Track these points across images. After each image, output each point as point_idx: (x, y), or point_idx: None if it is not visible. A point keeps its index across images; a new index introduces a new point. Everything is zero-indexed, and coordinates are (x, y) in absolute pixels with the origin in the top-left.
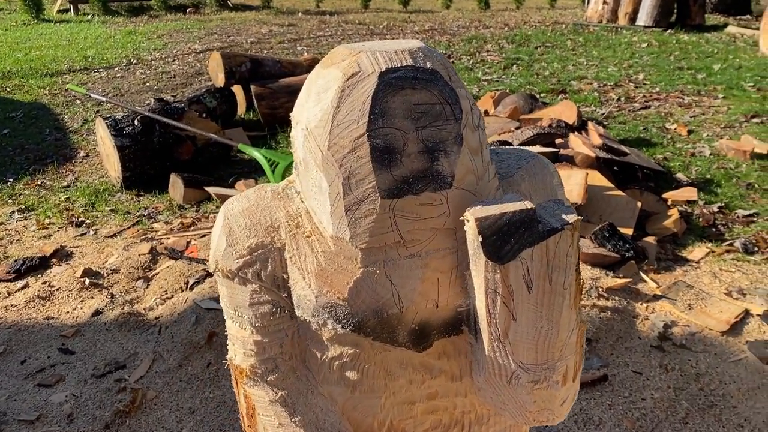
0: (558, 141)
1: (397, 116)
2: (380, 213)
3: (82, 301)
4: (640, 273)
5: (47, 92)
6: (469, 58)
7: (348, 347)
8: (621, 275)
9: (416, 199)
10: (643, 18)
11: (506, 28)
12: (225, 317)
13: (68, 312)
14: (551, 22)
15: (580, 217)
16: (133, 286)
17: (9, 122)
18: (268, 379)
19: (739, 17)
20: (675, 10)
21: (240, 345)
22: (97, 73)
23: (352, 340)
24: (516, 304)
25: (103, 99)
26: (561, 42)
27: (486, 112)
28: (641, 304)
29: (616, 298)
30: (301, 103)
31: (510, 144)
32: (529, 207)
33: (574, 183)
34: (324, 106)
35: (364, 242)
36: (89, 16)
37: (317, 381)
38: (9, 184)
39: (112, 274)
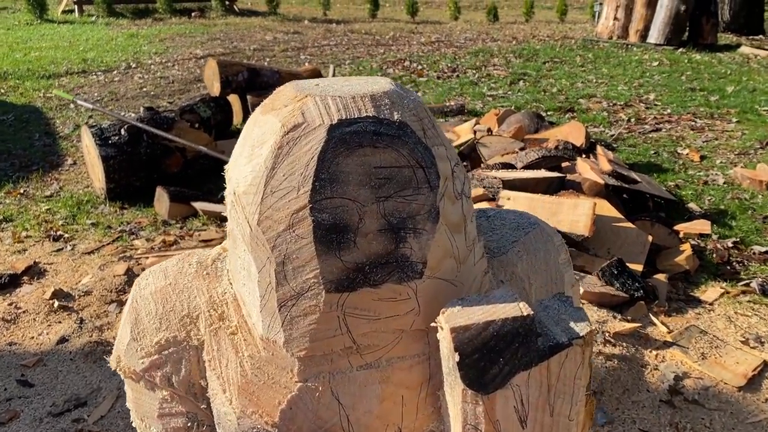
0: (565, 165)
1: (351, 183)
2: (325, 311)
3: (49, 325)
4: (650, 315)
5: (42, 95)
6: (474, 71)
7: None
8: (629, 318)
9: (374, 292)
10: (655, 35)
11: (514, 42)
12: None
13: (33, 338)
14: (560, 36)
15: (593, 328)
16: (105, 311)
17: None
18: None
19: (751, 37)
20: (687, 29)
21: None
22: (94, 77)
23: None
24: None
25: (90, 106)
26: (570, 58)
27: (489, 131)
28: (650, 352)
29: (624, 344)
30: (235, 156)
31: (513, 167)
32: (525, 314)
33: (581, 213)
34: (256, 166)
35: (304, 348)
36: (93, 18)
37: None
38: None
39: (83, 296)
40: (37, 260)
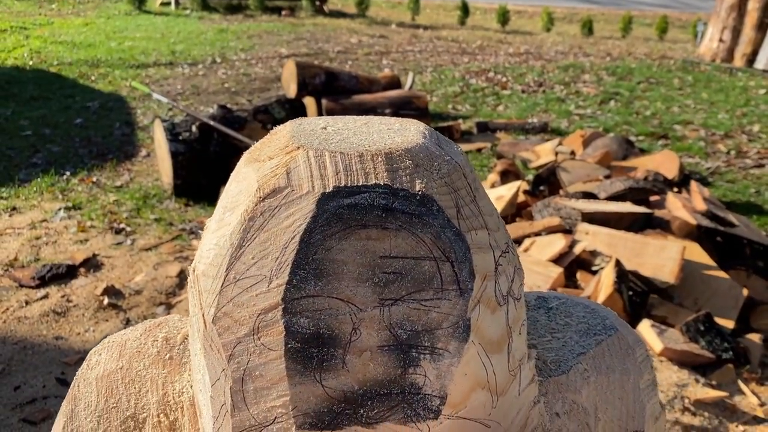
0: (653, 198)
1: (345, 277)
2: None
3: (96, 323)
4: (739, 382)
5: (128, 84)
6: (562, 87)
7: None
8: (714, 383)
9: None
10: (763, 61)
11: (608, 58)
12: None
13: (79, 334)
14: (659, 56)
15: None
16: (153, 313)
17: (84, 112)
18: None
19: None
20: None
21: None
22: (180, 69)
23: None
24: None
25: (165, 100)
26: (667, 79)
27: (572, 153)
28: (736, 426)
29: (706, 414)
30: (211, 218)
31: (595, 197)
32: None
33: (667, 257)
34: (222, 238)
35: None
36: (188, 11)
37: None
38: (65, 177)
39: (134, 295)
40: (96, 252)
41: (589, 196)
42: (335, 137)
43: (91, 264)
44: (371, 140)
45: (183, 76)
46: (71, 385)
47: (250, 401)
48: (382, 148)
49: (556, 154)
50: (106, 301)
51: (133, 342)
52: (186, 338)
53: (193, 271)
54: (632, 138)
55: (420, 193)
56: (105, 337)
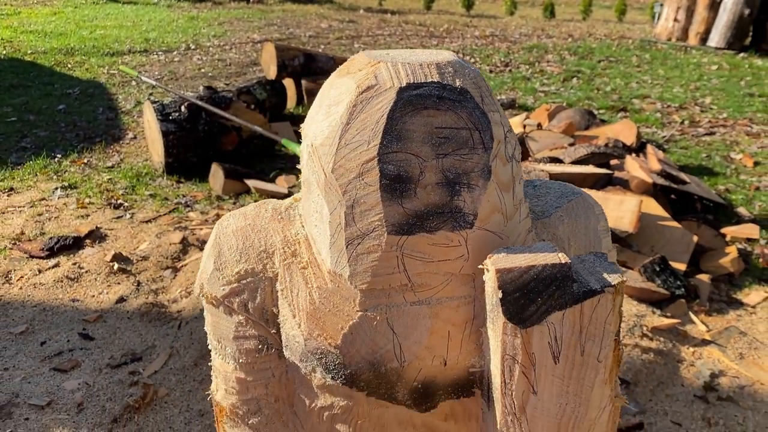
0: (613, 162)
1: (415, 140)
2: (386, 250)
3: (109, 286)
4: (690, 313)
5: (105, 71)
6: (528, 67)
7: (340, 398)
8: (669, 314)
9: (430, 237)
10: (716, 39)
11: (570, 39)
12: (209, 346)
13: (94, 296)
14: (618, 36)
15: (624, 278)
16: (161, 275)
17: (65, 99)
18: (250, 421)
19: None
20: (750, 33)
21: (222, 380)
22: (155, 56)
23: (345, 391)
24: (538, 375)
25: (153, 83)
26: (626, 58)
27: (539, 125)
28: (688, 348)
29: (661, 339)
30: (312, 114)
31: (561, 162)
32: (563, 261)
33: (626, 209)
34: (332, 121)
35: (365, 282)
36: (156, 0)
37: (305, 429)
38: (57, 160)
39: (141, 261)
40: (98, 225)
41: (555, 160)
42: (399, 57)
43: (96, 235)
44: (423, 57)
45: (159, 62)
46: (210, 240)
47: (357, 219)
48: (433, 61)
49: (524, 126)
50: (116, 266)
51: (251, 211)
52: (288, 207)
53: (311, 145)
54: (594, 111)
55: (460, 87)
56: (119, 298)
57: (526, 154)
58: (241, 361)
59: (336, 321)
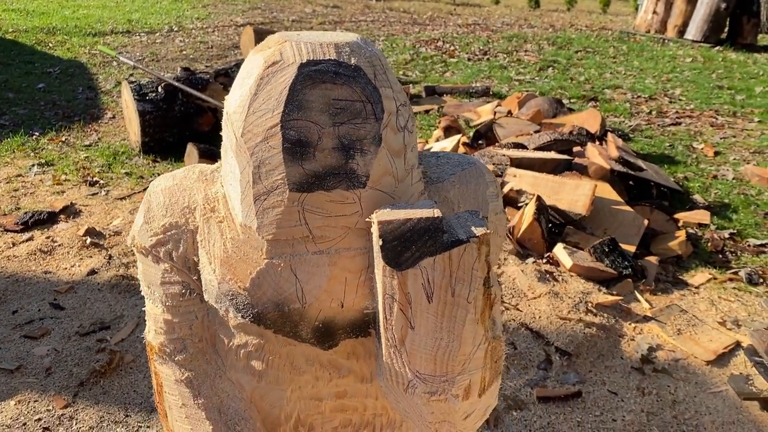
0: (576, 149)
1: (313, 110)
2: (288, 205)
3: (81, 259)
4: (635, 292)
5: (87, 51)
6: (505, 56)
7: (253, 337)
8: (615, 292)
9: (327, 195)
10: (693, 32)
11: (551, 30)
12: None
13: (66, 268)
14: (598, 27)
15: (488, 231)
16: (132, 250)
17: (46, 77)
18: (176, 358)
19: None
20: (727, 27)
21: (152, 322)
22: (137, 37)
23: (256, 330)
24: (414, 312)
25: (131, 63)
26: (603, 49)
27: (509, 113)
28: (630, 324)
29: (605, 315)
30: (232, 87)
31: (525, 147)
32: (435, 215)
33: (581, 193)
34: (244, 92)
35: (271, 233)
36: None
37: (225, 366)
38: (35, 137)
39: (113, 236)
40: (73, 201)
41: (519, 146)
42: (306, 38)
43: (70, 211)
44: (327, 38)
45: (141, 43)
46: (144, 198)
47: (263, 178)
48: (333, 41)
49: (495, 113)
50: (88, 240)
51: (180, 173)
52: (214, 170)
53: (227, 113)
54: (565, 101)
55: (354, 65)
56: (91, 270)
57: (494, 141)
58: (167, 304)
59: (245, 267)
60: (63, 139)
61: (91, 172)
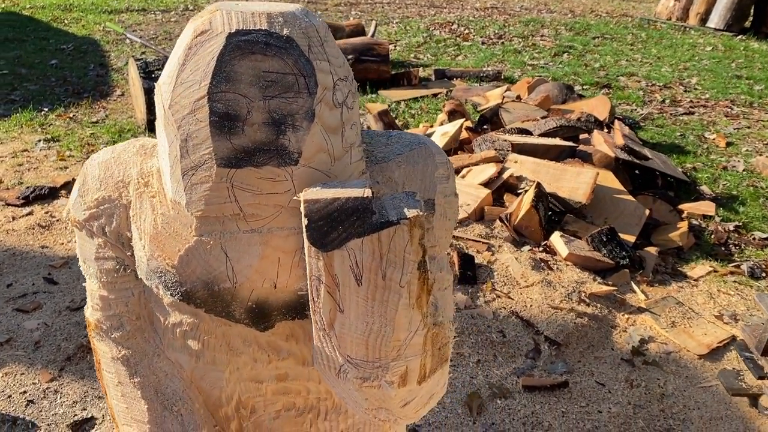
0: (583, 136)
1: (243, 82)
2: (216, 181)
3: None
4: (631, 283)
5: (101, 29)
6: (520, 40)
7: (187, 315)
8: (611, 283)
9: (257, 171)
10: (715, 20)
11: (570, 15)
12: None
13: (62, 243)
14: (620, 14)
15: (421, 212)
16: None
17: (59, 54)
18: (113, 335)
19: None
20: (751, 16)
21: (90, 298)
22: (152, 15)
23: (190, 309)
24: (342, 295)
25: (138, 40)
26: (621, 35)
27: (518, 98)
28: (623, 315)
29: (598, 305)
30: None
31: (530, 133)
32: (365, 195)
33: (582, 181)
34: (172, 62)
35: (200, 210)
36: None
37: (163, 345)
38: (43, 113)
39: None
40: (75, 177)
41: (524, 132)
42: (242, 6)
43: (71, 187)
44: (262, 8)
45: (155, 21)
46: (81, 170)
47: (191, 152)
48: (266, 10)
49: (503, 98)
50: None
51: (120, 146)
52: (156, 144)
53: (158, 84)
54: (577, 87)
55: (286, 36)
56: None
57: (498, 125)
58: (103, 280)
59: (174, 244)
60: (71, 115)
61: (96, 149)
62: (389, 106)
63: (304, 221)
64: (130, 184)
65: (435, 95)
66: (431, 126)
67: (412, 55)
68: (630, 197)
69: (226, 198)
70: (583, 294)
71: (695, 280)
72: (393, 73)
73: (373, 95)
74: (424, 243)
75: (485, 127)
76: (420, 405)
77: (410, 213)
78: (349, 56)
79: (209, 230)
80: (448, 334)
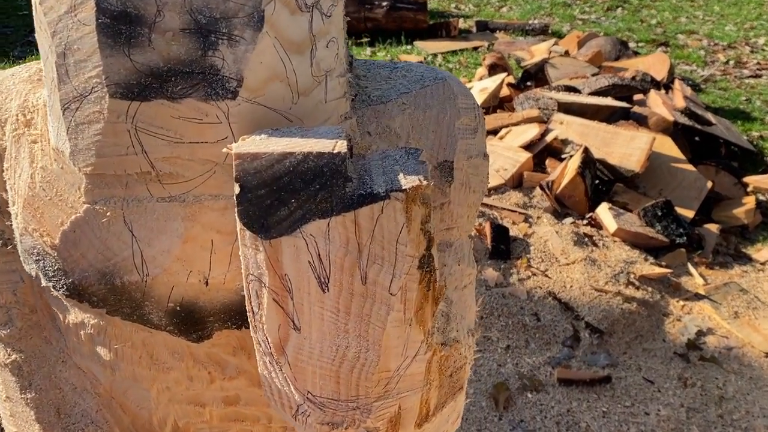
0: (637, 97)
1: None
2: (111, 120)
3: None
4: (688, 265)
5: None
6: None
7: (90, 315)
8: (664, 264)
9: (173, 107)
10: None
11: None
12: None
13: None
14: None
15: (425, 182)
16: None
17: None
18: (0, 334)
19: None
20: None
21: None
22: None
23: (88, 307)
24: (298, 306)
25: None
26: None
27: (566, 53)
28: (677, 302)
29: (649, 289)
30: None
31: (578, 91)
32: (336, 150)
33: (635, 147)
34: None
35: (90, 164)
36: None
37: (69, 350)
38: None
39: None
40: None
41: (571, 90)
42: None
43: None
44: None
45: None
46: None
47: (72, 74)
48: None
49: (550, 53)
50: None
51: (11, 70)
52: None
53: None
54: (632, 44)
55: None
56: None
57: (543, 82)
58: None
59: (56, 213)
60: None
61: None
62: (425, 58)
63: (236, 188)
64: (7, 123)
65: (475, 49)
66: (469, 81)
67: (452, 5)
68: (690, 167)
69: (129, 147)
70: (632, 275)
71: (761, 263)
72: (431, 23)
73: (408, 46)
74: (428, 228)
75: (529, 84)
76: None
77: (408, 182)
78: (384, 3)
79: (106, 195)
80: (464, 353)
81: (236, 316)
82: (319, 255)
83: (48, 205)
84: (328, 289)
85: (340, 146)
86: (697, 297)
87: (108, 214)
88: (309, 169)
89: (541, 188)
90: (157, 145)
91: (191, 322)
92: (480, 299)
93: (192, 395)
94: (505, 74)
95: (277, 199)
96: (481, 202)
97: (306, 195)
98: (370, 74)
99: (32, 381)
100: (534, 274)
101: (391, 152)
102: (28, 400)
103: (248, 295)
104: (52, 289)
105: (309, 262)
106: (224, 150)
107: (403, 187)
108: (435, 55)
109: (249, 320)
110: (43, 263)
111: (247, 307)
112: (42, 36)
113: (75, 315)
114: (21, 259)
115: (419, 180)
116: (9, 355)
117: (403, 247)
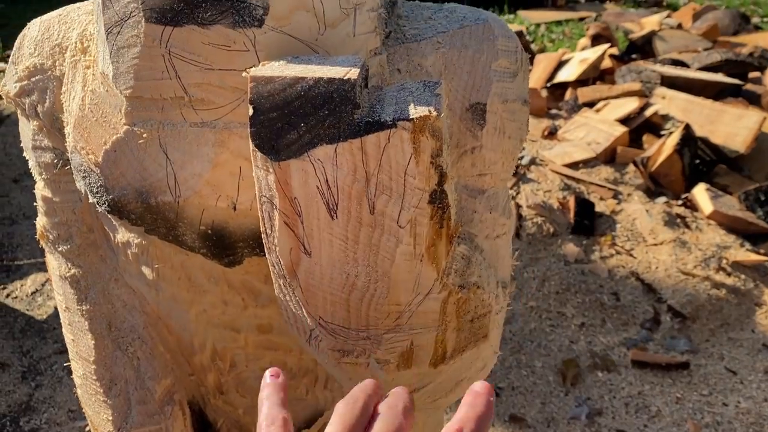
0: (753, 75)
1: None
2: (147, 44)
3: None
4: None
5: None
6: None
7: (134, 235)
8: (761, 251)
9: (203, 33)
10: None
11: None
12: None
13: None
14: None
15: (434, 113)
16: None
17: None
18: (60, 248)
19: None
20: None
21: (38, 198)
22: None
23: (130, 225)
24: (308, 230)
25: None
26: None
27: (679, 26)
28: None
29: (742, 276)
30: None
31: (687, 66)
32: (347, 77)
33: (743, 126)
34: None
35: (130, 86)
36: None
37: (120, 269)
38: None
39: None
40: None
41: (679, 64)
42: None
43: None
44: None
45: None
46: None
47: (114, 1)
48: None
49: (661, 25)
50: None
51: (79, 3)
52: None
53: None
54: (756, 19)
55: None
56: None
57: (650, 55)
58: (44, 176)
59: (101, 133)
60: None
61: None
62: (527, 28)
63: (249, 110)
64: (67, 50)
65: (582, 19)
66: (571, 51)
67: None
68: None
69: (164, 71)
70: (724, 261)
71: None
72: None
73: (511, 15)
74: (440, 162)
75: (633, 56)
76: (439, 393)
77: (416, 111)
78: None
79: (144, 118)
80: (487, 301)
81: (263, 243)
82: (327, 181)
83: (94, 126)
84: (336, 216)
85: (352, 74)
86: None
87: (145, 136)
88: (319, 94)
89: (635, 164)
90: (190, 71)
91: (222, 246)
92: (557, 274)
93: (227, 320)
94: (607, 45)
95: (288, 123)
96: (519, 150)
97: (315, 120)
98: (412, 15)
99: (88, 295)
100: (618, 253)
101: (409, 84)
102: (84, 312)
103: (261, 217)
104: (97, 205)
105: (317, 187)
106: (243, 74)
107: (411, 117)
108: (538, 25)
109: (263, 242)
110: (89, 180)
111: (261, 229)
112: None
113: (122, 234)
114: (74, 176)
115: (429, 111)
116: (69, 269)
117: (412, 179)
